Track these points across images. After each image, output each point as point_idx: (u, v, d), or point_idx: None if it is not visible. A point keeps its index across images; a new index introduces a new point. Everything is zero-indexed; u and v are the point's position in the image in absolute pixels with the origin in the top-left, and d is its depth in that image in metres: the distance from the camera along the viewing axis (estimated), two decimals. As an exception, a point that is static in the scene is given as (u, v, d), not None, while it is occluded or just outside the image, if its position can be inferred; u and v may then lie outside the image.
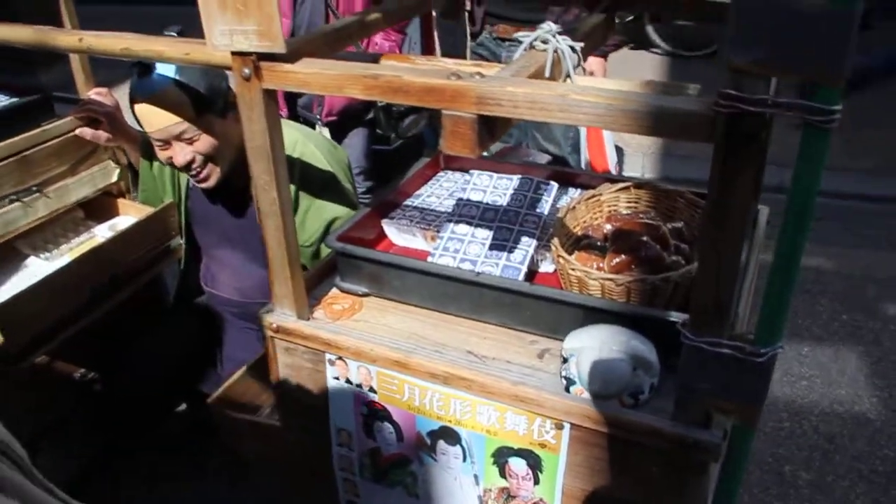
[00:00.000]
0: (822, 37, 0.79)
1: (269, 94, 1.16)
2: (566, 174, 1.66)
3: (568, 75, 1.25)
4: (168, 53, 1.50)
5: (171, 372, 2.26)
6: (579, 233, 1.43)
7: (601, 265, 1.31)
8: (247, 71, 1.14)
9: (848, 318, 3.21)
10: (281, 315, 1.35)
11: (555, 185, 1.53)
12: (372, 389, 1.30)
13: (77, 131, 2.08)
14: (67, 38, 1.69)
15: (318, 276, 1.48)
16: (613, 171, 3.16)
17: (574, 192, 1.61)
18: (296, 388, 1.41)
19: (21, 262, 2.15)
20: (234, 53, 1.14)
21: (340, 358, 1.31)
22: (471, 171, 1.60)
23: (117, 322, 2.29)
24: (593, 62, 2.90)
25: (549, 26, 1.25)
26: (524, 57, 1.21)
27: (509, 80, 1.00)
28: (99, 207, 2.36)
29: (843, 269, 3.55)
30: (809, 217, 0.90)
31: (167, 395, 2.40)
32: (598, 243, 1.38)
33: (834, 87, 0.82)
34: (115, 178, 2.32)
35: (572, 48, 1.24)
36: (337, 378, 1.33)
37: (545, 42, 1.23)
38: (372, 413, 1.32)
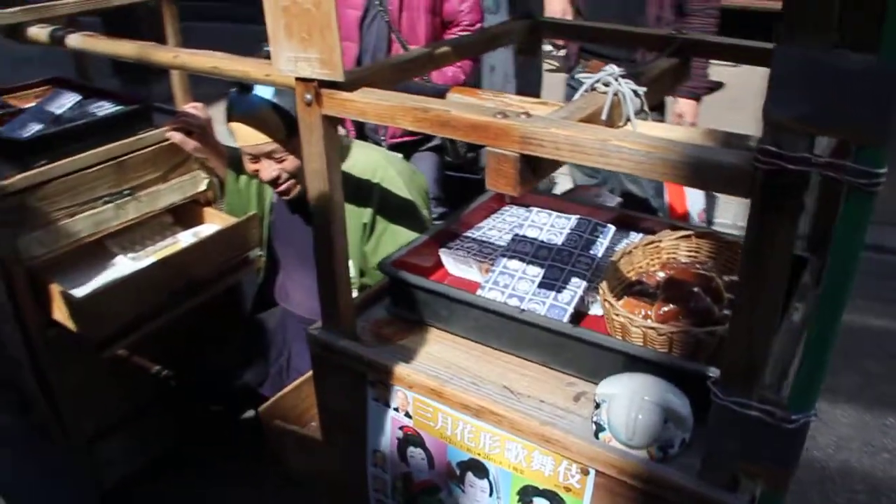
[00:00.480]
0: (868, 94, 0.76)
1: (329, 120, 1.20)
2: (630, 218, 1.64)
3: (628, 119, 1.24)
4: (252, 74, 1.58)
5: (240, 378, 2.34)
6: (633, 278, 1.41)
7: (648, 313, 1.29)
8: (308, 97, 1.19)
9: (939, 388, 3.02)
10: (328, 333, 1.39)
11: (612, 227, 1.51)
12: (408, 414, 1.32)
13: (167, 134, 2.19)
14: (164, 54, 1.80)
15: (371, 299, 1.51)
16: (696, 218, 3.09)
17: (636, 237, 1.58)
18: (338, 406, 1.44)
19: (109, 260, 2.28)
20: (297, 79, 1.18)
21: (381, 380, 1.33)
22: (531, 208, 1.60)
23: (196, 324, 2.39)
24: (684, 104, 2.85)
25: (612, 69, 1.25)
26: (583, 98, 1.21)
27: (553, 121, 1.01)
28: (186, 214, 2.48)
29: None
30: (850, 281, 0.86)
31: (235, 399, 2.48)
32: (650, 290, 1.36)
33: (877, 147, 0.79)
34: (203, 188, 2.44)
35: (635, 92, 1.24)
36: (376, 399, 1.36)
37: (607, 85, 1.23)
38: (406, 437, 1.34)
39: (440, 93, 1.40)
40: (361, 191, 1.98)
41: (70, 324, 2.00)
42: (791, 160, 0.81)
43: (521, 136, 1.00)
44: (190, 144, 2.20)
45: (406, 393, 1.30)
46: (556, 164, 1.08)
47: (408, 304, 1.43)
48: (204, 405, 2.34)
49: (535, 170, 1.05)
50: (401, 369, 1.30)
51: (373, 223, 1.97)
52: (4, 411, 2.59)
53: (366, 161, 2.01)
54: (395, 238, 1.94)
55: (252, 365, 2.41)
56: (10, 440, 2.53)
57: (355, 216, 1.99)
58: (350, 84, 1.18)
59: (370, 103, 1.14)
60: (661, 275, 1.38)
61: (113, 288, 2.02)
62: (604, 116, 1.17)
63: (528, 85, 1.72)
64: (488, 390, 1.25)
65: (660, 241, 1.46)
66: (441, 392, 1.25)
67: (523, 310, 1.29)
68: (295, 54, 1.16)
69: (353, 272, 1.92)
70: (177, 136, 2.19)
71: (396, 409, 1.33)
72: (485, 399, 1.21)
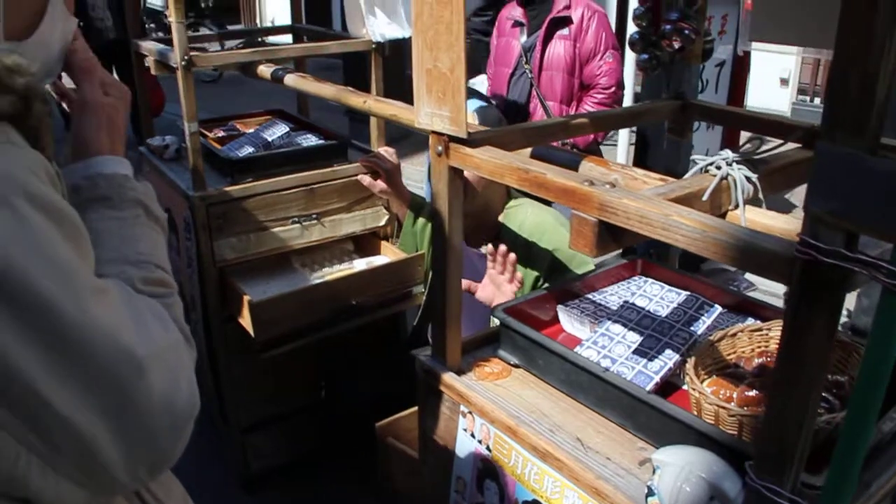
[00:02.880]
0: (900, 197, 0.78)
1: (454, 170, 1.36)
2: (749, 303, 1.64)
3: (738, 205, 1.28)
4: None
5: (378, 398, 2.53)
6: (732, 360, 1.42)
7: (732, 395, 1.30)
8: (440, 148, 1.35)
9: None
10: (433, 360, 1.52)
11: (718, 308, 1.53)
12: (489, 448, 1.42)
13: (357, 177, 2.46)
14: (356, 98, 2.06)
15: (483, 340, 1.63)
16: None
17: (750, 322, 1.58)
18: (433, 429, 1.56)
19: (290, 274, 2.58)
20: (432, 132, 1.35)
21: (470, 412, 1.45)
22: (647, 279, 1.65)
23: (355, 345, 2.63)
24: None
25: (726, 153, 1.31)
26: (690, 179, 1.27)
27: (628, 193, 1.09)
28: (366, 244, 2.74)
29: None
30: (882, 385, 0.87)
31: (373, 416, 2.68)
32: (744, 374, 1.36)
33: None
34: (382, 223, 2.68)
35: (748, 178, 1.28)
36: (465, 429, 1.47)
37: (718, 168, 1.28)
38: (485, 469, 1.44)
39: (574, 161, 1.51)
40: (532, 252, 2.10)
41: (244, 322, 2.30)
42: (825, 252, 0.85)
43: (600, 203, 1.09)
44: (376, 187, 2.44)
45: (489, 427, 1.40)
46: (636, 235, 1.15)
47: (512, 349, 1.54)
48: (343, 413, 2.55)
49: (615, 236, 1.13)
50: (487, 405, 1.41)
51: (545, 281, 2.08)
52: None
53: (535, 222, 2.13)
54: None
55: (393, 394, 2.60)
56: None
57: (524, 274, 2.11)
58: (475, 141, 1.33)
59: (485, 160, 1.28)
60: (759, 361, 1.38)
61: (285, 297, 2.30)
62: (704, 198, 1.22)
63: (675, 163, 1.78)
64: (561, 439, 1.32)
65: (769, 328, 1.45)
66: (516, 431, 1.34)
67: (606, 369, 1.35)
68: (432, 110, 1.34)
69: None
70: (365, 180, 2.44)
71: (480, 441, 1.44)
72: (552, 445, 1.29)
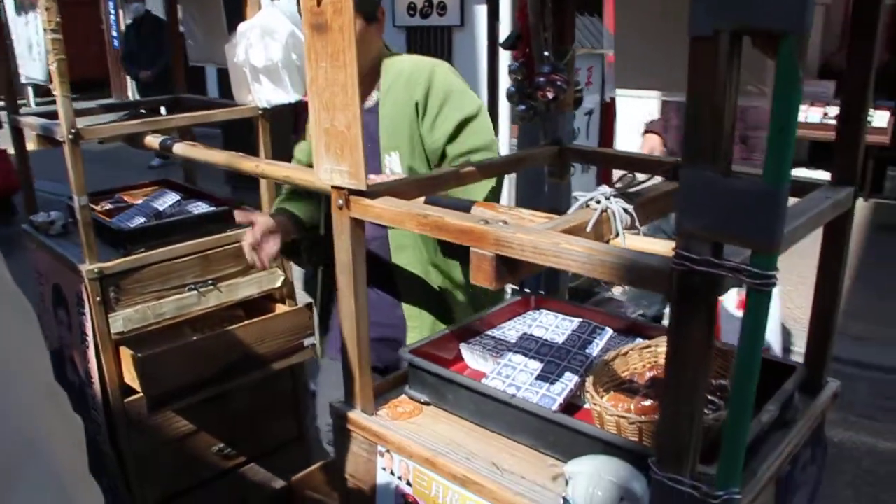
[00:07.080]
0: (756, 210, 0.92)
1: (356, 222, 1.44)
2: (636, 325, 1.78)
3: (618, 234, 1.42)
4: (315, 183, 1.83)
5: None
6: (626, 377, 1.54)
7: (630, 406, 1.41)
8: (340, 201, 1.43)
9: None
10: (347, 406, 1.57)
11: (609, 330, 1.66)
12: (409, 483, 1.47)
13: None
14: (248, 163, 2.11)
15: (393, 383, 1.70)
16: (778, 350, 3.18)
17: (639, 342, 1.72)
18: (354, 474, 1.60)
19: (185, 340, 2.54)
20: (332, 186, 1.43)
21: (388, 451, 1.50)
22: (541, 310, 1.77)
23: (254, 402, 2.62)
24: None
25: (604, 189, 1.44)
26: (574, 213, 1.40)
27: (521, 227, 1.20)
28: (261, 307, 2.75)
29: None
30: (754, 378, 0.99)
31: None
32: (638, 388, 1.49)
33: (768, 254, 0.94)
34: (278, 284, 2.71)
35: (625, 209, 1.42)
36: (384, 468, 1.52)
37: (598, 202, 1.42)
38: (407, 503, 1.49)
39: (465, 207, 1.62)
40: (412, 79, 2.07)
41: (133, 381, 2.26)
42: (697, 262, 0.98)
43: (496, 238, 1.19)
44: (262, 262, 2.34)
45: (407, 462, 1.46)
46: (532, 266, 1.26)
47: (421, 388, 1.60)
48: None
49: (512, 269, 1.23)
50: (404, 441, 1.47)
51: (425, 102, 2.05)
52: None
53: (418, 59, 2.14)
54: (451, 116, 2.03)
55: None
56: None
57: (405, 102, 2.07)
58: (374, 193, 1.41)
59: (386, 209, 1.37)
60: (650, 374, 1.51)
61: (172, 350, 2.29)
62: (588, 229, 1.35)
63: (557, 203, 1.92)
64: (477, 464, 1.40)
65: (656, 345, 1.59)
66: (434, 462, 1.41)
67: (513, 395, 1.44)
68: (331, 166, 1.42)
69: (399, 167, 2.02)
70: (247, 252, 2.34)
71: (399, 478, 1.49)
72: (470, 471, 1.36)
